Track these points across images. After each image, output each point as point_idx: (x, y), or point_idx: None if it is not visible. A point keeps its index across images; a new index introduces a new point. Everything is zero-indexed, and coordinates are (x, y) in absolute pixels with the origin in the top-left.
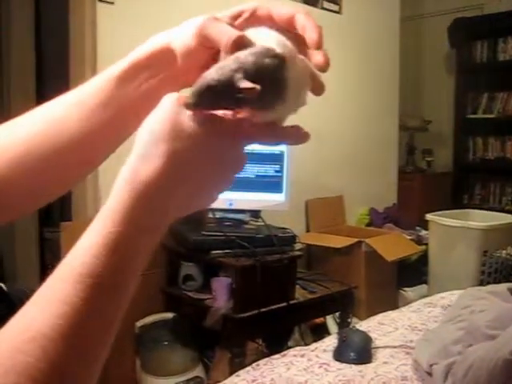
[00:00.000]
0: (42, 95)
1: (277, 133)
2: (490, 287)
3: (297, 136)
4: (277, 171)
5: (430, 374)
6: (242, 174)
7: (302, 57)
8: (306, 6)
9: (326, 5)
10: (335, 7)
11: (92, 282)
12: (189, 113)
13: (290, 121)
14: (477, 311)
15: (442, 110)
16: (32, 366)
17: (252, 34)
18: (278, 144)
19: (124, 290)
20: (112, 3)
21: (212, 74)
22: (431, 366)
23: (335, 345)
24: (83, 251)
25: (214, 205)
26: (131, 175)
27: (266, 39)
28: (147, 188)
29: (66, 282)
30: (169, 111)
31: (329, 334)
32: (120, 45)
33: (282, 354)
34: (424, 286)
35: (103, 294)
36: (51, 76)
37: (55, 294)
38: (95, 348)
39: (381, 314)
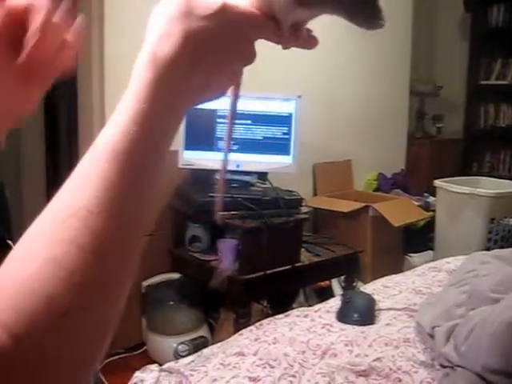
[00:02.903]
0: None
1: (292, 34)
2: (495, 252)
3: (308, 39)
4: (285, 133)
5: (432, 336)
6: (249, 136)
7: None
8: None
9: None
10: None
11: (125, 158)
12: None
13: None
14: (481, 275)
15: (454, 76)
16: (78, 236)
17: None
18: (287, 46)
19: (155, 165)
20: None
21: None
22: (433, 328)
23: (339, 306)
24: (114, 129)
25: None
26: (151, 56)
27: None
28: (167, 66)
29: (101, 160)
30: None
31: (333, 297)
32: (128, 7)
33: (285, 314)
34: (430, 252)
35: (136, 167)
36: None
37: (91, 171)
38: (134, 220)
39: (385, 277)
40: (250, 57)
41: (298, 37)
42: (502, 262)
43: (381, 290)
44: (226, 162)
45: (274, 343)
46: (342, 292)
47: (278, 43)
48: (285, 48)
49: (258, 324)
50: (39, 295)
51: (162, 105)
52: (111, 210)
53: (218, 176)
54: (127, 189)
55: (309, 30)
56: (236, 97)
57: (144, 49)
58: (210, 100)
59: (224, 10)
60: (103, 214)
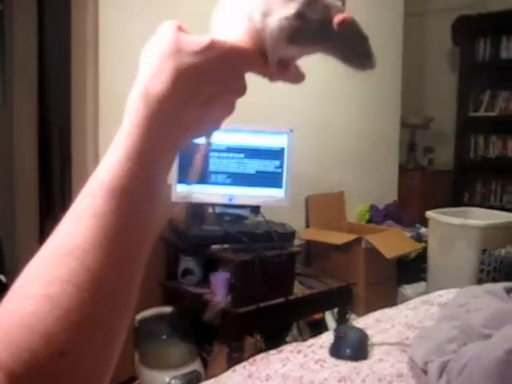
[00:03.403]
0: (44, 91)
1: (281, 69)
2: (487, 286)
3: (296, 75)
4: (277, 167)
5: (425, 371)
6: (242, 170)
7: None
8: None
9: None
10: (338, 2)
11: (120, 195)
12: (191, 36)
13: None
14: (472, 310)
15: (444, 108)
16: (74, 275)
17: None
18: (273, 80)
19: (151, 200)
20: None
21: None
22: (426, 363)
23: (332, 341)
24: (109, 166)
25: (215, 200)
26: (142, 93)
27: None
28: (159, 102)
29: (96, 197)
30: (171, 33)
31: (327, 330)
32: (122, 36)
33: (278, 349)
34: (423, 283)
35: (132, 204)
36: (53, 70)
37: (87, 210)
38: (131, 256)
39: (378, 311)
40: (240, 90)
41: (286, 72)
42: (493, 296)
43: (373, 324)
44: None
45: (267, 380)
46: (335, 324)
47: (265, 77)
48: (271, 81)
49: (251, 360)
50: (37, 334)
51: (155, 141)
52: (107, 248)
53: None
54: (123, 226)
55: (297, 66)
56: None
57: (136, 86)
58: (204, 134)
59: (212, 46)
60: (99, 252)
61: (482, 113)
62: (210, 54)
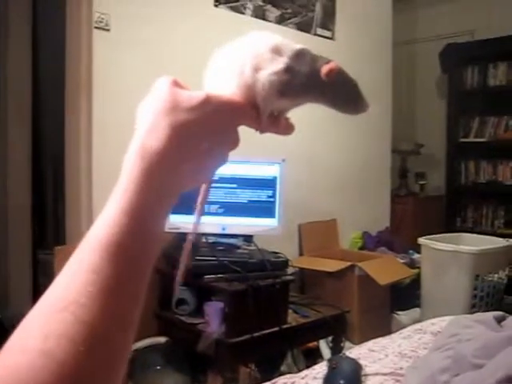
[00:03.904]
0: (38, 122)
1: (272, 122)
2: (477, 315)
3: (285, 127)
4: (269, 196)
5: None
6: (234, 200)
7: None
8: (300, 33)
9: (319, 31)
10: (328, 33)
11: (116, 250)
12: (187, 91)
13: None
14: (464, 340)
15: (434, 134)
16: (69, 329)
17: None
18: (265, 132)
19: (148, 253)
20: (108, 30)
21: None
22: None
23: (325, 372)
24: (105, 221)
25: (208, 229)
26: (139, 150)
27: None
28: (156, 158)
29: (93, 251)
30: (166, 89)
31: (322, 358)
32: (115, 71)
33: (272, 381)
34: (417, 309)
35: (129, 258)
36: (47, 101)
37: (83, 264)
38: (128, 306)
39: (371, 341)
40: (234, 142)
41: (276, 124)
42: (483, 325)
43: (367, 354)
44: (197, 225)
45: None
46: (329, 352)
47: (257, 129)
48: (262, 133)
49: None
50: None
51: (151, 196)
52: (103, 302)
53: (187, 238)
54: (119, 280)
55: (286, 118)
56: None
57: (132, 143)
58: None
59: (207, 101)
60: (95, 306)
61: (471, 138)
62: (205, 109)
